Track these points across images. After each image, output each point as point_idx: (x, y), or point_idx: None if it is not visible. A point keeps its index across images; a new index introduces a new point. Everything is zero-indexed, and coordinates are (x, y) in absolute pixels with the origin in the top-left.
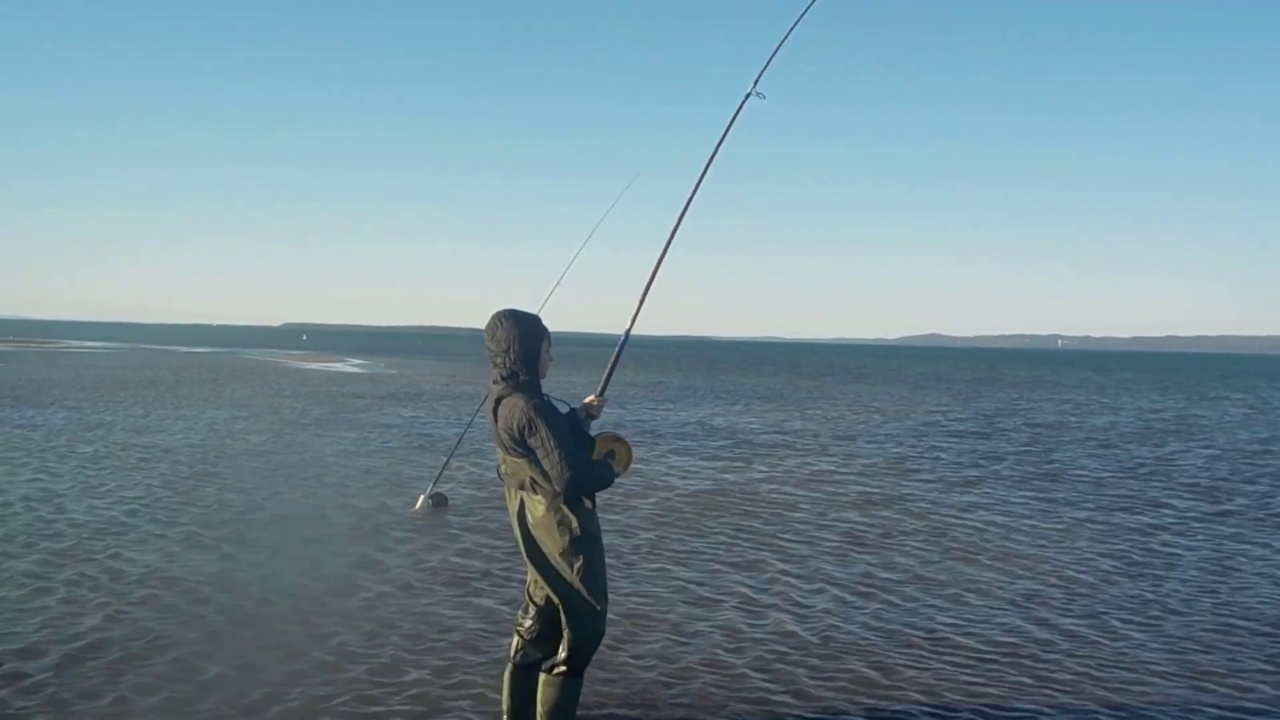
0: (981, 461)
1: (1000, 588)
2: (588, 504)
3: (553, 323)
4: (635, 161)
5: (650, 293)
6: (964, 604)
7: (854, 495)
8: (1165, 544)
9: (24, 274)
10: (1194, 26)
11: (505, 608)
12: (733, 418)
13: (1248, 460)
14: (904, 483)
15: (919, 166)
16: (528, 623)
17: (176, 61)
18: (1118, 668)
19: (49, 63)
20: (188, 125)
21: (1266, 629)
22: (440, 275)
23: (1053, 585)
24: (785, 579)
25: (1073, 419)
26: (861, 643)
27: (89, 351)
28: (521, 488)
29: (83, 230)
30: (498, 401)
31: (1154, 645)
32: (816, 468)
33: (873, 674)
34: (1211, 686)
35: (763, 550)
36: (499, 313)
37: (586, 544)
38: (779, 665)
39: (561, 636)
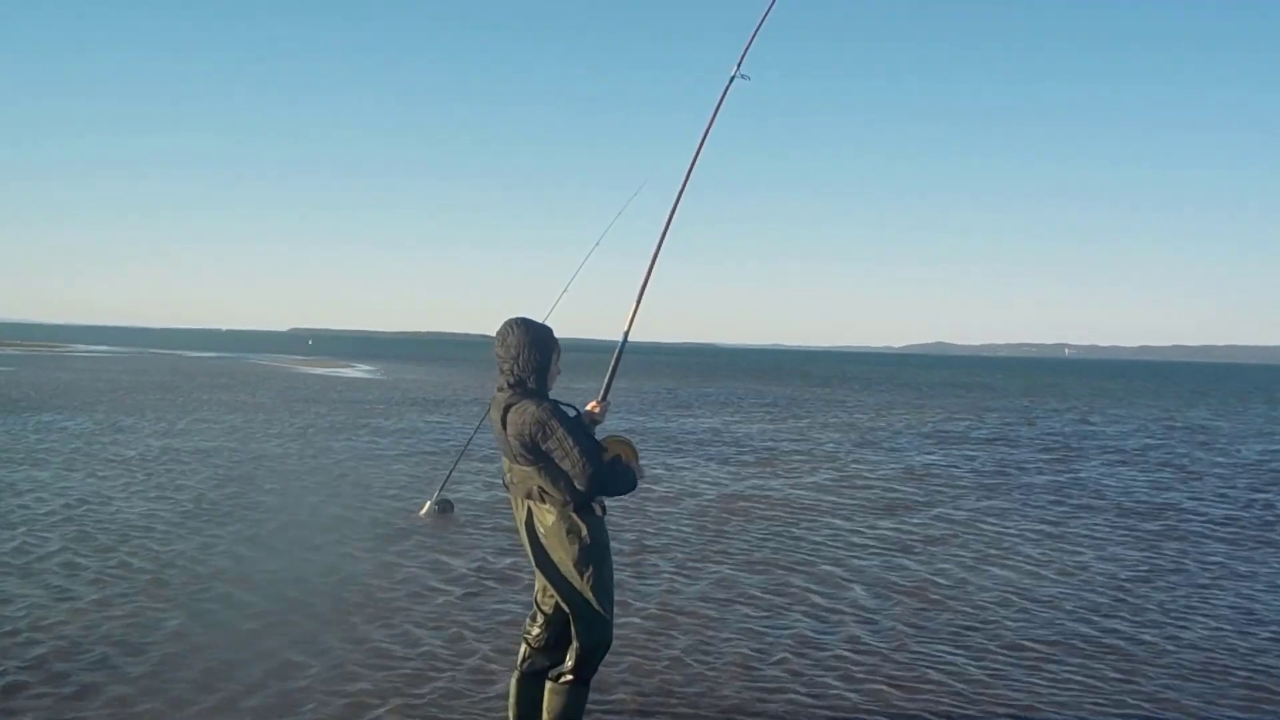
0: (1009, 470)
1: (1055, 593)
2: (597, 512)
3: (560, 329)
4: (648, 168)
5: (648, 292)
6: (1023, 610)
7: (890, 500)
8: (1207, 552)
9: (28, 277)
10: (1201, 36)
11: (511, 615)
12: (753, 424)
13: (1273, 471)
14: (936, 489)
15: (926, 174)
16: (535, 631)
17: (181, 65)
18: (1197, 674)
19: (53, 65)
20: (192, 129)
21: None
22: (445, 281)
23: (1102, 590)
24: (842, 584)
25: (1091, 427)
26: (934, 650)
27: (96, 356)
28: (529, 497)
29: (87, 234)
30: (505, 409)
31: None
32: (845, 474)
33: (953, 683)
34: None
35: (811, 555)
36: (511, 320)
37: (597, 552)
38: (858, 674)
39: (569, 645)
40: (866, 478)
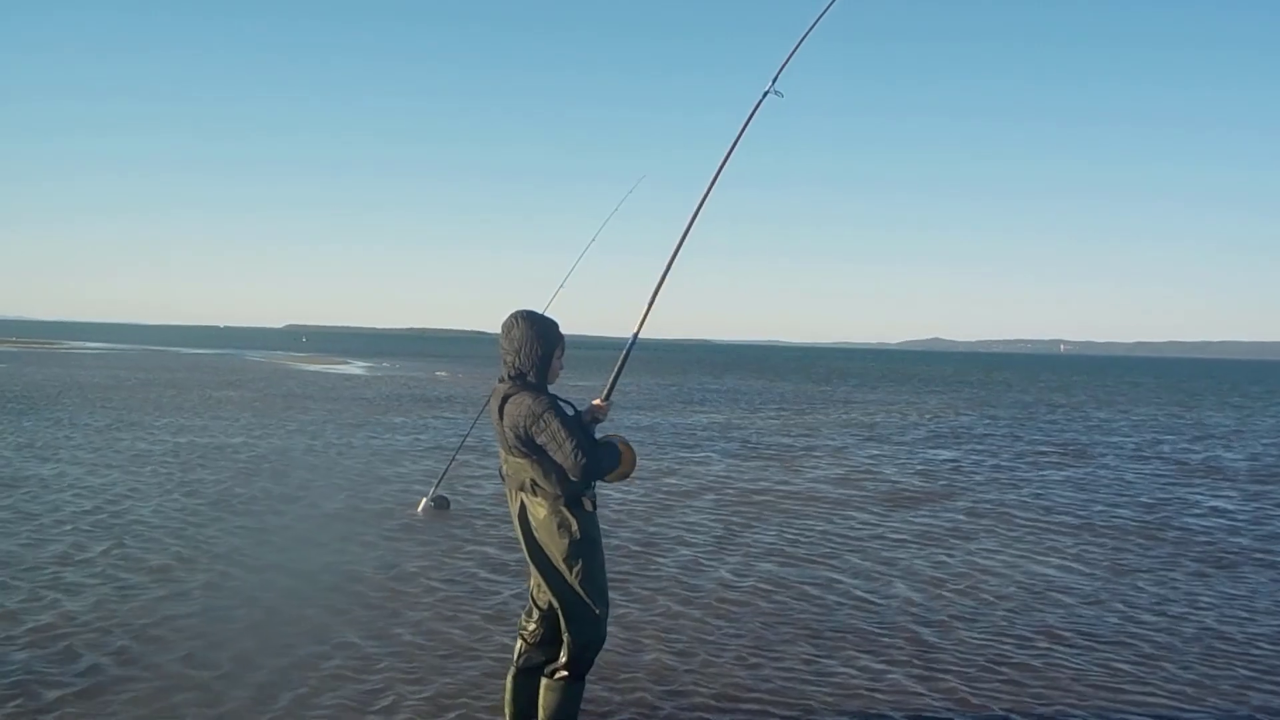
0: (1022, 464)
1: (1082, 586)
2: (588, 507)
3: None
4: (639, 167)
5: (659, 296)
6: (1059, 604)
7: (912, 492)
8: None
9: (24, 274)
10: (1196, 35)
11: (507, 611)
12: (763, 420)
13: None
14: (955, 482)
15: (923, 171)
16: (531, 626)
17: (174, 66)
18: (1234, 663)
19: (47, 66)
20: (185, 128)
21: None
22: (439, 279)
23: (1138, 582)
24: (876, 575)
25: (1098, 423)
26: (985, 639)
27: (94, 352)
28: (522, 489)
29: (81, 232)
30: (504, 400)
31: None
32: (858, 468)
33: (1008, 671)
34: None
35: (839, 548)
36: (517, 312)
37: (586, 548)
38: (918, 664)
39: (563, 640)
40: (881, 473)
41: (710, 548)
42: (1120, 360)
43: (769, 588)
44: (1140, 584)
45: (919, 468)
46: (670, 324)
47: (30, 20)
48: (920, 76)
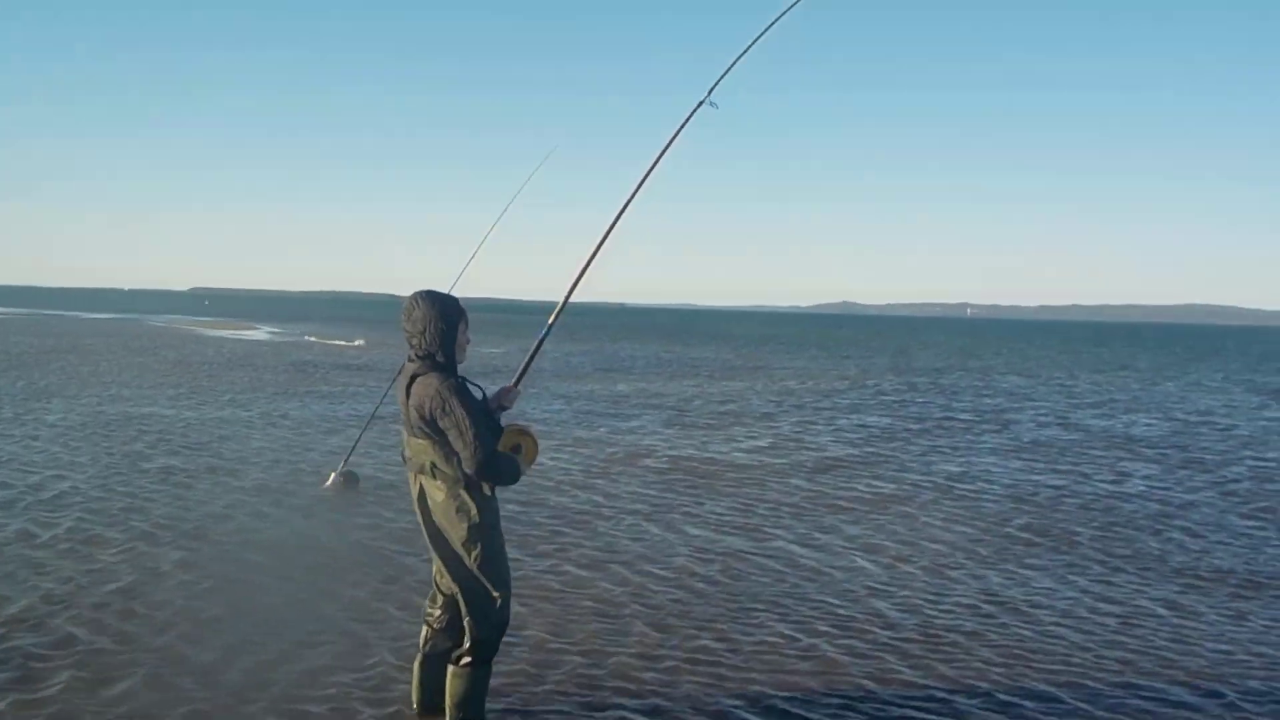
0: (945, 430)
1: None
2: (487, 491)
3: (466, 289)
4: (554, 119)
5: (577, 285)
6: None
7: (841, 460)
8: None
9: None
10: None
11: (415, 593)
12: (687, 387)
13: (1186, 423)
14: (882, 450)
15: (830, 138)
16: (436, 611)
17: (78, 33)
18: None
19: None
20: (89, 92)
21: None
22: (347, 240)
23: (1036, 543)
24: (841, 547)
25: (1002, 385)
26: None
27: None
28: (422, 472)
29: None
30: (411, 379)
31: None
32: (789, 435)
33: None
34: None
35: (784, 516)
36: (416, 293)
37: (485, 532)
38: (840, 633)
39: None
40: (811, 441)
41: (644, 517)
42: (1025, 324)
43: (709, 558)
44: (1032, 545)
45: (848, 435)
46: (585, 287)
47: None
48: (830, 51)
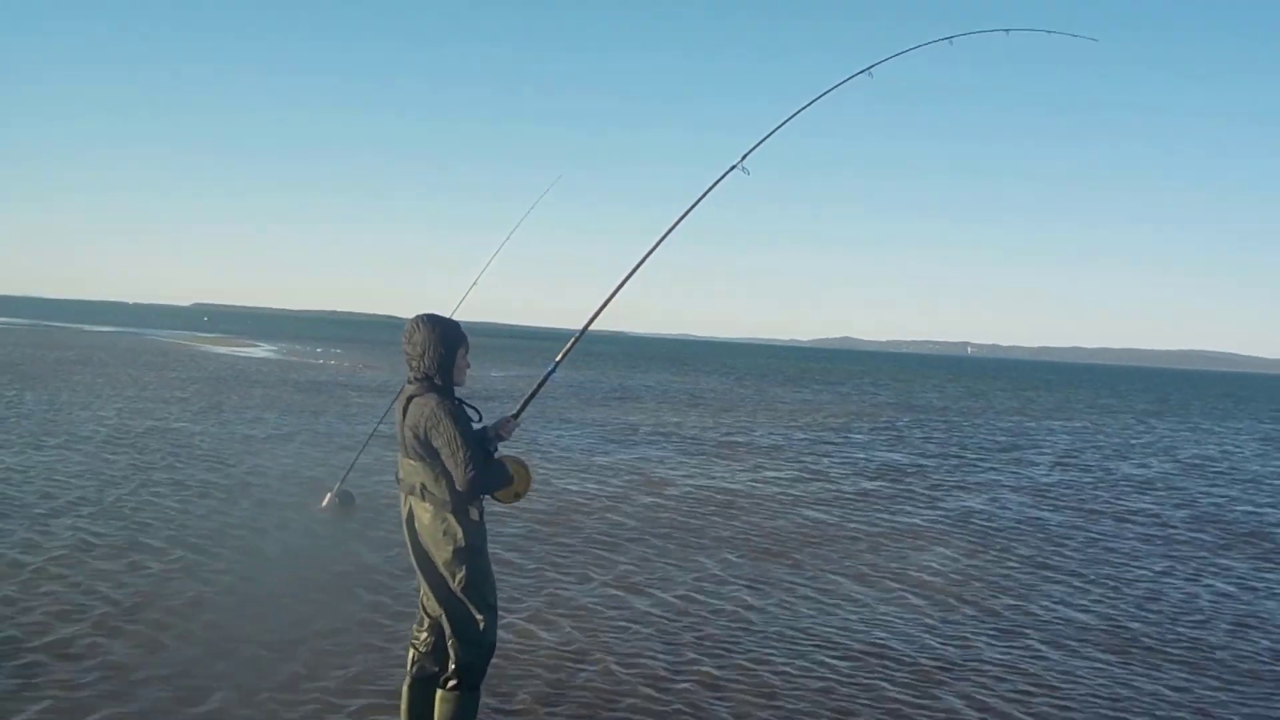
0: (959, 465)
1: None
2: (474, 515)
3: (469, 314)
4: (560, 149)
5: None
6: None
7: (864, 492)
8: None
9: None
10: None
11: (403, 616)
12: (696, 418)
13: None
14: (901, 483)
15: (830, 171)
16: (423, 635)
17: (76, 43)
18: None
19: None
20: (96, 105)
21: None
22: (350, 261)
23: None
24: (822, 573)
25: (1015, 424)
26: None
27: None
28: (412, 493)
29: None
30: (409, 400)
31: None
32: (804, 468)
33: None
34: None
35: (783, 546)
36: (417, 316)
37: (470, 556)
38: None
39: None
40: (828, 473)
41: (668, 542)
42: (1026, 364)
43: (742, 584)
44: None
45: (864, 468)
46: (578, 314)
47: None
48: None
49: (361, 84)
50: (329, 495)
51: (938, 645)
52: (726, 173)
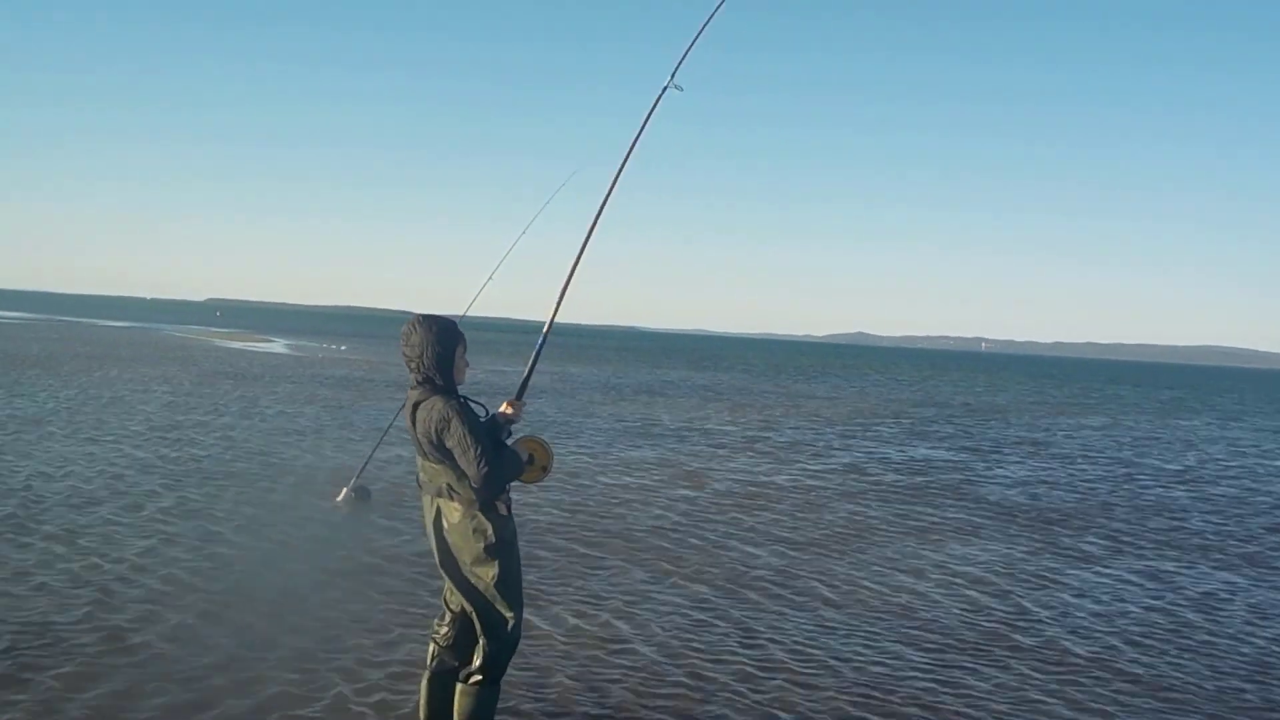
0: (990, 460)
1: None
2: (502, 510)
3: (487, 309)
4: (578, 142)
5: (569, 289)
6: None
7: (906, 486)
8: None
9: None
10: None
11: (423, 610)
12: (721, 413)
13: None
14: (941, 478)
15: (846, 167)
16: (444, 630)
17: (95, 36)
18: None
19: None
20: (108, 100)
21: None
22: (361, 256)
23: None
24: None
25: (1035, 420)
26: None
27: (8, 321)
28: (439, 495)
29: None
30: (415, 406)
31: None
32: (845, 463)
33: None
34: None
35: (850, 540)
36: (414, 318)
37: (501, 551)
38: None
39: (477, 644)
40: (861, 468)
41: (715, 532)
42: (1040, 360)
43: (769, 584)
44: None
45: (897, 462)
46: (595, 310)
47: None
48: (846, 53)
49: (373, 78)
50: (345, 491)
51: (1011, 634)
52: (660, 94)
